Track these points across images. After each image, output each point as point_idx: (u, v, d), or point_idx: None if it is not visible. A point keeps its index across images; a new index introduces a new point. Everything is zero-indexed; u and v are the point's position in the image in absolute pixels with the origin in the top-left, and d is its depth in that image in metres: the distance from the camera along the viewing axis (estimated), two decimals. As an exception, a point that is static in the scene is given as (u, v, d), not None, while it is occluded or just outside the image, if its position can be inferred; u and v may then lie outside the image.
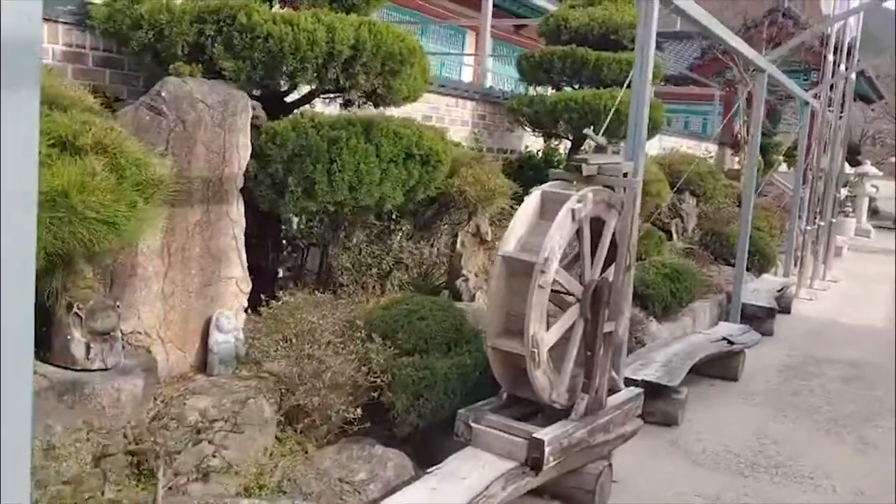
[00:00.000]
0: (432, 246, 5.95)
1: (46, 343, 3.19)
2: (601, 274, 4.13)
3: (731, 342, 6.74)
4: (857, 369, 7.52)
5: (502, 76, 16.62)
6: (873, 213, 24.44)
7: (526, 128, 8.63)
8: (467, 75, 16.04)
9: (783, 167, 18.65)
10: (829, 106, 12.31)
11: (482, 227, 5.87)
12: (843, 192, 18.44)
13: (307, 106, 4.81)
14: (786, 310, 9.71)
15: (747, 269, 8.87)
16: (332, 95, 4.81)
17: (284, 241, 5.29)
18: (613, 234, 4.18)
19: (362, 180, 4.32)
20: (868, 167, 21.58)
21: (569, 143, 8.59)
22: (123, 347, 3.38)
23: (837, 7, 13.26)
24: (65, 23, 4.30)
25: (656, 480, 4.61)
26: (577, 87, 8.41)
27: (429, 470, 3.58)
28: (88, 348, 3.18)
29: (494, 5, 13.21)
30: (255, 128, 4.22)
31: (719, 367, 6.68)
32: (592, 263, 4.08)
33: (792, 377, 7.12)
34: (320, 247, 5.43)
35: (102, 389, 3.14)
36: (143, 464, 3.00)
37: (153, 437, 2.86)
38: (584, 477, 4.06)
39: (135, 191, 3.00)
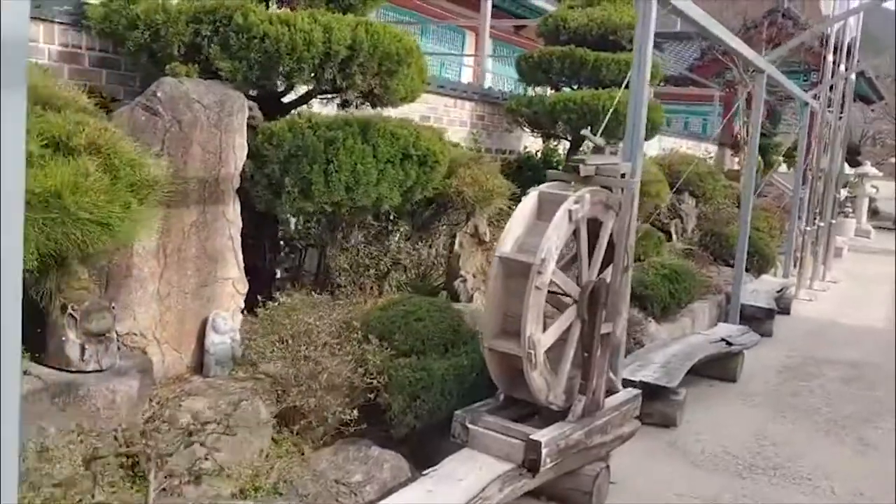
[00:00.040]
0: (430, 247, 5.94)
1: (41, 344, 3.17)
2: (598, 275, 4.12)
3: (729, 343, 6.72)
4: (857, 370, 7.51)
5: (502, 77, 16.64)
6: (873, 213, 24.43)
7: (525, 128, 8.62)
8: (467, 76, 16.04)
9: (783, 168, 18.66)
10: (829, 106, 12.29)
11: (480, 228, 5.85)
12: (843, 192, 18.43)
13: (304, 106, 4.80)
14: (785, 310, 9.69)
15: (746, 270, 8.86)
16: (329, 96, 4.80)
17: (282, 242, 5.28)
18: (611, 235, 4.17)
19: (359, 181, 4.31)
20: (868, 168, 21.58)
21: (567, 144, 8.58)
22: (119, 349, 3.37)
23: (837, 7, 13.25)
24: (61, 23, 4.30)
25: (654, 482, 4.59)
26: (575, 87, 8.40)
27: (425, 471, 3.57)
28: (83, 350, 3.17)
29: (494, 6, 13.22)
30: (252, 128, 4.21)
31: (718, 368, 6.66)
32: (590, 264, 4.07)
33: (791, 378, 7.10)
34: (318, 247, 5.42)
35: (97, 391, 3.12)
36: (137, 466, 2.99)
37: (144, 440, 2.85)
38: (581, 478, 4.05)
39: (129, 191, 2.99)
